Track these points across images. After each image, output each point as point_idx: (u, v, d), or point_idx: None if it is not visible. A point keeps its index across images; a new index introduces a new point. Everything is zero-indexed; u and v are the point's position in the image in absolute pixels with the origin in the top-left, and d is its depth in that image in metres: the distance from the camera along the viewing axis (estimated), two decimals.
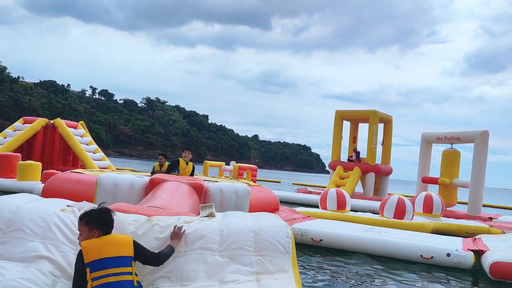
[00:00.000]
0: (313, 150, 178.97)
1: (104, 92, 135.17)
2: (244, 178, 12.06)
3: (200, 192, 7.33)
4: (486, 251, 6.93)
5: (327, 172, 22.01)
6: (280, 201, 12.23)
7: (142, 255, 3.50)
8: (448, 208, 16.19)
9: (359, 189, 21.11)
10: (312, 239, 7.85)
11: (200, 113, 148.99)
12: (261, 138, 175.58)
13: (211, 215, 4.55)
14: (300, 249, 7.48)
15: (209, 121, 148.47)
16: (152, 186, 7.18)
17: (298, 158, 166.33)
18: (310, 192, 20.53)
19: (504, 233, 10.53)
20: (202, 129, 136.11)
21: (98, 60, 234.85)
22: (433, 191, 14.13)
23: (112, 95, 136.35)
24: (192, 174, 9.73)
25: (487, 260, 6.55)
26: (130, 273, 3.24)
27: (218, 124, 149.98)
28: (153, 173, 10.12)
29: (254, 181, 19.51)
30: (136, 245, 3.45)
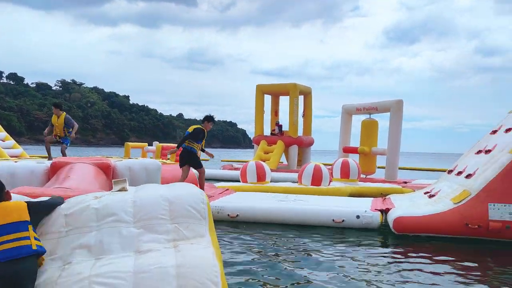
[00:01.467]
0: (239, 126, 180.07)
1: (12, 76, 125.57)
2: (168, 159, 11.92)
3: (108, 172, 7.21)
4: (391, 209, 7.48)
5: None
6: (206, 179, 12.29)
7: (39, 213, 3.49)
8: (368, 176, 17.18)
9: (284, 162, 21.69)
10: (228, 215, 7.97)
11: (121, 94, 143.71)
12: (187, 116, 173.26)
13: (123, 189, 4.50)
14: (218, 227, 7.61)
15: (131, 102, 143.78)
16: (54, 170, 6.93)
17: (225, 135, 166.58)
18: (236, 168, 20.78)
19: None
20: (123, 110, 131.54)
21: (8, 42, 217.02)
22: (355, 159, 14.91)
23: (22, 78, 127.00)
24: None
25: (391, 217, 7.11)
26: (27, 238, 3.15)
27: (140, 104, 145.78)
28: (51, 125, 9.70)
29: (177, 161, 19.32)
30: (32, 206, 3.38)
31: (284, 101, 22.85)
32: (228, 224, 7.81)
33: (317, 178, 11.00)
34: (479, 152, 8.29)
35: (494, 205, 6.59)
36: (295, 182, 11.79)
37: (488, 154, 7.67)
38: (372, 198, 9.18)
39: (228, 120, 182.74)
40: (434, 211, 6.95)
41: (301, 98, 22.16)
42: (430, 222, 6.83)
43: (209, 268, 3.74)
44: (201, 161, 9.39)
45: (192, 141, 9.04)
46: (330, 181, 11.62)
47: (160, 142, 26.03)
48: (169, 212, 4.31)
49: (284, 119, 21.93)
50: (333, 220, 7.50)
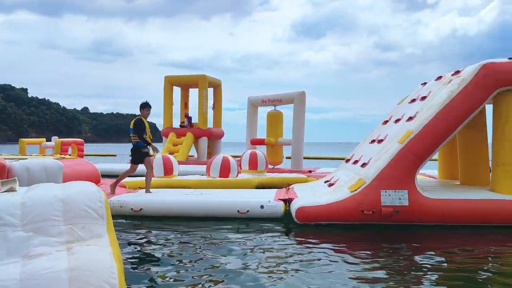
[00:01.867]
0: (149, 119, 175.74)
1: None
2: (69, 154, 11.30)
3: (2, 173, 6.66)
4: (294, 199, 7.77)
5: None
6: (113, 175, 11.81)
7: None
8: (276, 166, 17.64)
9: (193, 154, 21.54)
10: (132, 209, 7.79)
11: (18, 87, 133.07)
12: (93, 110, 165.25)
13: (11, 190, 4.18)
14: (121, 221, 7.40)
15: (30, 95, 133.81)
16: None
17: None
18: None
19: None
20: (21, 104, 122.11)
21: None
22: (262, 151, 15.20)
23: None
24: None
25: (294, 206, 7.38)
26: None
27: (40, 97, 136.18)
28: None
29: (81, 156, 18.35)
30: None
31: (193, 93, 22.69)
32: (132, 219, 7.62)
33: (225, 170, 11.09)
34: (373, 141, 8.88)
35: (385, 192, 7.10)
36: (204, 175, 11.78)
37: (381, 144, 8.24)
38: (276, 189, 9.45)
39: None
40: (333, 199, 7.32)
41: (210, 90, 22.12)
42: (329, 210, 7.19)
43: (106, 269, 3.60)
44: (141, 158, 8.92)
45: (136, 136, 8.73)
46: (239, 173, 11.77)
47: (63, 138, 24.49)
48: (62, 213, 4.08)
49: (194, 111, 21.78)
50: (238, 211, 7.62)
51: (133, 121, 8.86)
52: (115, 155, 39.95)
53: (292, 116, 16.84)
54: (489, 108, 8.23)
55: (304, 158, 21.23)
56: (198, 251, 5.65)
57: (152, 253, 5.53)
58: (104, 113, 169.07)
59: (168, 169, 11.29)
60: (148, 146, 8.95)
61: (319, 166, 18.99)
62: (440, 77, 8.77)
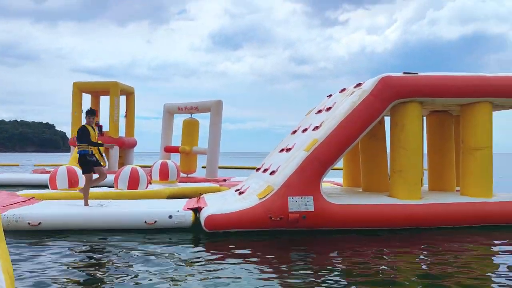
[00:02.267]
0: (58, 128, 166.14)
1: None
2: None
3: None
4: (203, 207, 7.68)
5: None
6: (12, 185, 10.92)
7: None
8: (189, 175, 17.40)
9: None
10: (29, 223, 7.21)
11: None
12: None
13: None
14: (16, 237, 6.85)
15: None
16: None
17: (41, 138, 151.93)
18: (48, 172, 19.04)
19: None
20: None
21: None
22: (176, 159, 14.92)
23: None
24: None
25: (203, 215, 7.29)
26: None
27: None
28: None
29: None
30: None
31: (105, 101, 21.80)
32: (30, 234, 7.06)
33: (134, 182, 10.70)
34: (282, 150, 9.08)
35: (292, 198, 7.27)
36: (112, 187, 11.27)
37: (289, 152, 8.45)
38: (187, 199, 9.30)
39: (45, 122, 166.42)
40: (242, 207, 7.35)
41: (123, 98, 21.40)
42: (238, 218, 7.20)
43: None
44: (90, 166, 8.37)
45: (80, 144, 8.28)
46: (149, 184, 11.43)
47: None
48: None
49: (105, 120, 20.91)
50: (145, 221, 7.36)
51: (77, 130, 8.49)
52: (17, 165, 37.14)
53: (208, 125, 16.79)
54: (388, 119, 8.79)
55: (220, 167, 21.23)
56: (103, 265, 5.36)
57: (52, 269, 5.13)
58: (6, 120, 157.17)
59: (72, 181, 10.66)
60: (101, 154, 8.66)
61: (233, 176, 19.08)
62: (344, 89, 9.21)
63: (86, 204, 8.24)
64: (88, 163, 8.35)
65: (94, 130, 8.45)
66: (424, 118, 10.09)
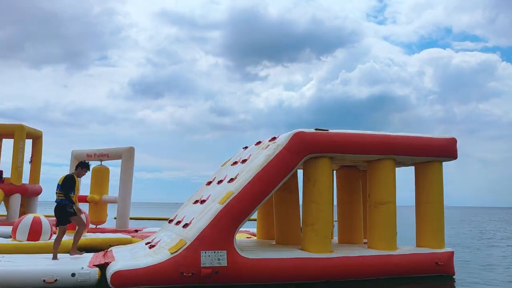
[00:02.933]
0: None
1: None
2: None
3: None
4: (110, 262, 7.22)
5: None
6: None
7: None
8: (99, 226, 16.41)
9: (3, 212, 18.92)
10: None
11: None
12: None
13: None
14: None
15: None
16: None
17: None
18: None
19: None
20: None
21: None
22: (85, 209, 13.99)
23: None
24: None
25: (109, 271, 6.83)
26: None
27: None
28: None
29: None
30: None
31: (6, 145, 20.30)
32: None
33: (35, 232, 9.82)
34: (196, 202, 8.94)
35: (205, 252, 7.09)
36: (9, 238, 10.28)
37: (203, 204, 8.33)
38: (93, 253, 8.69)
39: None
40: (152, 262, 7.00)
41: (29, 142, 20.06)
42: (148, 273, 6.84)
43: None
44: (67, 218, 8.13)
45: (62, 193, 8.05)
46: (53, 234, 10.58)
47: None
48: None
49: (5, 165, 19.35)
50: (44, 280, 6.70)
51: (63, 177, 8.22)
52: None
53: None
54: (300, 172, 9.05)
55: (132, 218, 20.36)
56: None
57: None
58: None
59: None
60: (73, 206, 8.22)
61: (146, 226, 18.34)
62: (259, 142, 9.41)
63: (55, 257, 7.86)
64: (66, 214, 8.07)
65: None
66: (334, 172, 10.56)
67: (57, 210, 8.13)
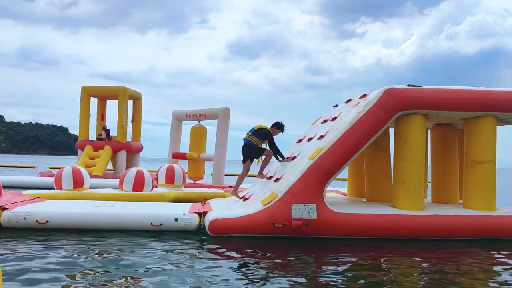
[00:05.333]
0: (71, 132, 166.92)
1: None
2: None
3: None
4: (208, 212, 7.80)
5: None
6: (20, 187, 10.99)
7: None
8: (197, 181, 17.50)
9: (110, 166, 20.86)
10: (37, 221, 7.38)
11: None
12: (10, 119, 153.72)
13: None
14: (26, 234, 7.01)
15: None
16: None
17: (54, 141, 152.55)
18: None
19: None
20: None
21: None
22: (184, 166, 15.02)
23: None
24: None
25: (207, 219, 7.41)
26: None
27: None
28: None
29: None
30: None
31: (111, 105, 22.06)
32: (38, 231, 7.22)
33: (139, 184, 10.82)
34: (287, 158, 9.20)
35: (296, 205, 7.38)
36: (117, 189, 11.42)
37: (293, 161, 8.56)
38: (192, 203, 9.42)
39: (58, 125, 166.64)
40: (245, 212, 7.46)
41: (130, 103, 21.65)
42: (242, 223, 7.32)
43: None
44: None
45: (253, 136, 9.05)
46: (154, 187, 11.56)
47: None
48: None
49: (111, 124, 21.17)
50: (151, 223, 7.49)
51: (260, 126, 9.17)
52: (33, 167, 37.51)
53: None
54: (392, 131, 8.88)
55: (227, 175, 21.31)
56: (108, 264, 5.48)
57: (58, 267, 5.26)
58: (22, 122, 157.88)
59: (78, 182, 10.76)
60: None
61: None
62: (349, 100, 9.34)
63: (234, 192, 9.35)
64: (251, 153, 9.15)
65: None
66: (429, 131, 10.19)
67: (245, 148, 9.10)
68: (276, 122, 9.32)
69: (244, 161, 9.23)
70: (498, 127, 8.58)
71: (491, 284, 5.27)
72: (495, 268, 6.22)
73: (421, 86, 8.20)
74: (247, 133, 9.10)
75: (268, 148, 9.21)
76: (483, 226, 7.90)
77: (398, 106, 7.98)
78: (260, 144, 9.05)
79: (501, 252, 7.07)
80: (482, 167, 8.27)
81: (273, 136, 9.17)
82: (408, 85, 8.16)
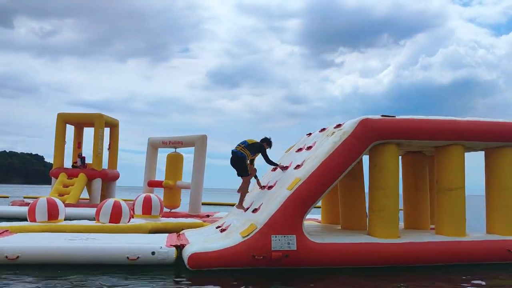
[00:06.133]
0: (47, 160, 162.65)
1: None
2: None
3: None
4: (186, 245, 7.75)
5: None
6: None
7: None
8: (173, 210, 17.33)
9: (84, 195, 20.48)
10: (7, 257, 7.15)
11: None
12: None
13: None
14: None
15: None
16: None
17: (29, 169, 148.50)
18: (27, 204, 18.78)
19: None
20: None
21: None
22: (160, 194, 14.88)
23: None
24: None
25: (186, 253, 7.35)
26: None
27: None
28: None
29: None
30: None
31: (89, 134, 21.84)
32: (6, 268, 6.99)
33: (116, 215, 10.67)
34: (263, 187, 9.27)
35: (275, 237, 7.40)
36: (93, 220, 11.23)
37: (271, 190, 8.64)
38: (167, 234, 9.32)
39: (34, 153, 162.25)
40: (225, 245, 7.41)
41: (107, 130, 21.47)
42: (222, 256, 7.25)
43: None
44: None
45: (246, 149, 8.99)
46: (131, 218, 11.43)
47: None
48: None
49: (89, 152, 20.87)
50: (128, 257, 7.37)
51: (253, 141, 9.16)
52: (7, 197, 36.50)
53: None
54: (366, 159, 9.09)
55: (204, 204, 21.18)
56: None
57: None
58: None
59: (52, 213, 10.49)
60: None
61: (217, 211, 19.09)
62: (324, 129, 9.52)
63: (240, 205, 9.23)
64: (244, 166, 9.03)
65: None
66: (399, 158, 10.46)
67: (236, 161, 8.98)
68: (265, 138, 9.36)
69: (241, 176, 9.23)
70: (465, 154, 8.89)
71: None
72: None
73: (394, 116, 8.45)
74: (239, 145, 9.04)
75: (254, 167, 9.41)
76: (456, 251, 8.11)
77: (373, 136, 8.20)
78: (250, 157, 9.13)
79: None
80: (452, 193, 8.53)
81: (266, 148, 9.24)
82: (382, 115, 8.41)
